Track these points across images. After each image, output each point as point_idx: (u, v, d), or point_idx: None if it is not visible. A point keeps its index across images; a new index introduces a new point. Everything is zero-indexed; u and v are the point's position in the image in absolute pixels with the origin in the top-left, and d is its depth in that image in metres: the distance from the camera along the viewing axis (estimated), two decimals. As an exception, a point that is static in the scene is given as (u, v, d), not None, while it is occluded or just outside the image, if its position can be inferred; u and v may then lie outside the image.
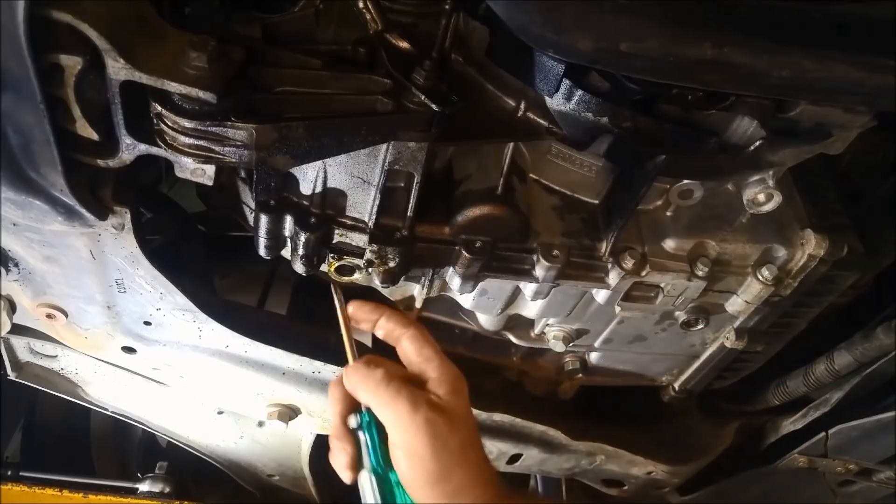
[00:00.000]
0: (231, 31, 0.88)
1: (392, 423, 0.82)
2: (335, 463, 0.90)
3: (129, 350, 1.26)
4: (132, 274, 1.05)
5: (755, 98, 0.88)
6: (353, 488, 0.91)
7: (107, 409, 1.53)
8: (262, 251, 1.02)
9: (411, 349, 0.91)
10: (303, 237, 0.96)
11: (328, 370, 1.28)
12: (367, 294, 1.07)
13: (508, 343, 1.35)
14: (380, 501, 0.82)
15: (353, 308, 1.01)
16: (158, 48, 0.76)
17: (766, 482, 1.77)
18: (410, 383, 0.86)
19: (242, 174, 1.06)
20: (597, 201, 1.07)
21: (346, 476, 0.89)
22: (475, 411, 1.40)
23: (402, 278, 1.04)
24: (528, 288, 1.08)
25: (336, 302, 1.01)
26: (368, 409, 0.86)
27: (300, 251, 0.99)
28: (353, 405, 0.91)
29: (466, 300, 1.16)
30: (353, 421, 0.89)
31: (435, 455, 0.80)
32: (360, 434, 0.87)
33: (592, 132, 0.89)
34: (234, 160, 0.82)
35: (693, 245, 1.09)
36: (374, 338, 1.60)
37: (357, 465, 0.87)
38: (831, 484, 1.72)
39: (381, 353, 1.01)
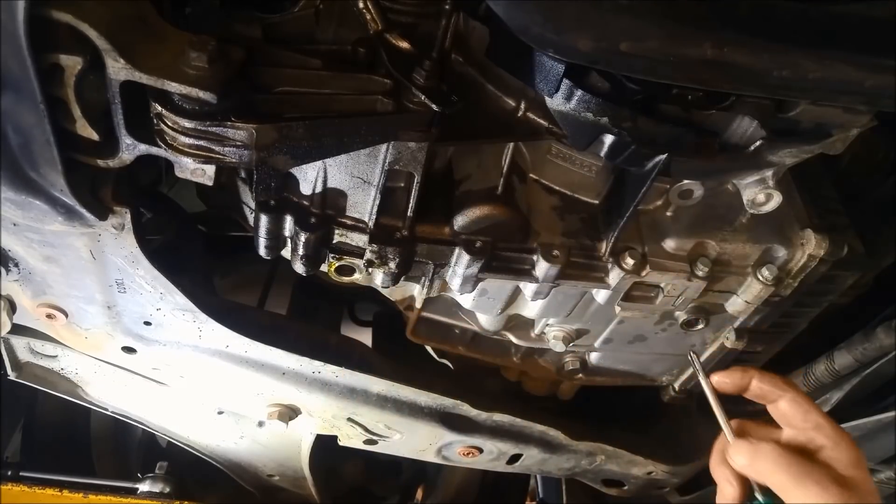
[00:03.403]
0: (231, 31, 0.88)
1: None
2: None
3: (129, 350, 1.26)
4: (132, 274, 1.05)
5: (755, 98, 0.88)
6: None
7: (107, 409, 1.53)
8: (262, 251, 1.02)
9: (796, 414, 0.86)
10: (303, 237, 0.96)
11: (328, 370, 1.28)
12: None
13: (508, 343, 1.35)
14: None
15: (718, 378, 0.94)
16: (158, 48, 0.76)
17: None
18: (806, 457, 0.82)
19: (242, 174, 1.06)
20: (597, 201, 1.07)
21: None
22: (475, 411, 1.40)
23: (402, 278, 1.04)
24: (528, 288, 1.08)
25: (700, 376, 0.96)
26: (765, 489, 0.83)
27: (300, 251, 0.99)
28: (746, 483, 0.87)
29: (466, 300, 1.16)
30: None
31: None
32: None
33: (592, 132, 0.89)
34: (234, 160, 0.82)
35: (693, 245, 1.09)
36: (374, 338, 1.59)
37: None
38: (831, 484, 1.71)
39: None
